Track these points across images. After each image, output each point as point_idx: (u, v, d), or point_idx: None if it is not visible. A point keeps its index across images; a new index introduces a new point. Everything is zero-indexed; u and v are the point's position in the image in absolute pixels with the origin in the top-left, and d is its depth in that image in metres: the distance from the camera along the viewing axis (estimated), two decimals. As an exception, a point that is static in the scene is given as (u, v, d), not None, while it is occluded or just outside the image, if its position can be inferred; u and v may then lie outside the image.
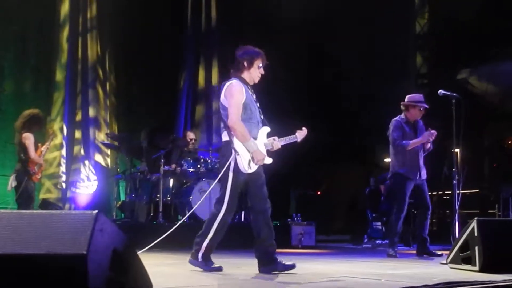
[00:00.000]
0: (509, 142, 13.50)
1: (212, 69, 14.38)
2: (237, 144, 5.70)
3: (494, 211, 12.01)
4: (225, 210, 5.70)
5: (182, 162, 11.06)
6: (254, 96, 6.00)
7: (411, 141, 8.35)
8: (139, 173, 11.08)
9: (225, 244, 6.11)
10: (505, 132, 13.76)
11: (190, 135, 11.89)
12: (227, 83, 5.86)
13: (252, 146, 5.71)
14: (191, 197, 10.41)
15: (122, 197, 11.75)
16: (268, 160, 5.91)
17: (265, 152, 5.87)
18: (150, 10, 13.14)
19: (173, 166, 11.04)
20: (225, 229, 5.78)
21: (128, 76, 13.19)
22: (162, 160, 10.57)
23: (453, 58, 15.14)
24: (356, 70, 14.82)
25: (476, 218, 5.79)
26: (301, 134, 6.28)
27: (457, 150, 8.28)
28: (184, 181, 11.21)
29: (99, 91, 12.69)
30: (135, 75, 13.26)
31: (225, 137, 5.82)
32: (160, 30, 13.45)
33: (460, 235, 5.98)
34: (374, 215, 12.16)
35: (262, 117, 5.99)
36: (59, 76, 12.21)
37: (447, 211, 11.29)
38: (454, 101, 7.84)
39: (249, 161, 5.72)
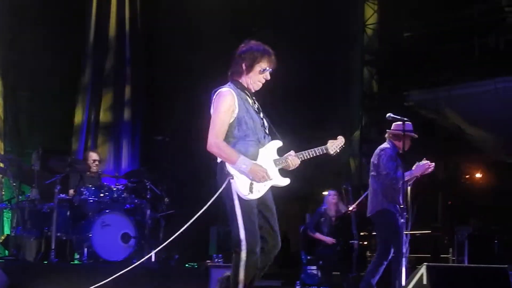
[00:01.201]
0: (467, 176, 13.70)
1: (125, 73, 14.39)
2: (229, 166, 5.42)
3: (448, 255, 12.10)
4: (246, 250, 5.35)
5: (82, 189, 10.74)
6: (256, 105, 5.66)
7: (405, 174, 8.18)
8: (28, 202, 10.66)
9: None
10: (463, 164, 14.04)
11: (93, 155, 11.59)
12: (217, 91, 5.52)
13: (245, 164, 5.35)
14: (90, 233, 10.18)
15: (7, 231, 11.48)
16: (283, 181, 5.67)
17: (272, 170, 5.57)
18: (48, 16, 13.15)
19: (71, 192, 10.83)
20: (257, 267, 5.47)
21: (17, 87, 12.97)
22: (58, 187, 10.24)
23: (405, 79, 15.59)
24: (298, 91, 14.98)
25: (425, 263, 5.88)
26: (334, 145, 5.90)
27: (406, 183, 8.31)
28: (84, 212, 10.80)
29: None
30: (27, 85, 13.02)
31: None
32: (58, 32, 13.29)
33: (407, 282, 6.08)
34: (309, 257, 12.11)
35: (267, 131, 5.67)
36: None
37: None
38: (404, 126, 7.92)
39: (251, 184, 5.43)
